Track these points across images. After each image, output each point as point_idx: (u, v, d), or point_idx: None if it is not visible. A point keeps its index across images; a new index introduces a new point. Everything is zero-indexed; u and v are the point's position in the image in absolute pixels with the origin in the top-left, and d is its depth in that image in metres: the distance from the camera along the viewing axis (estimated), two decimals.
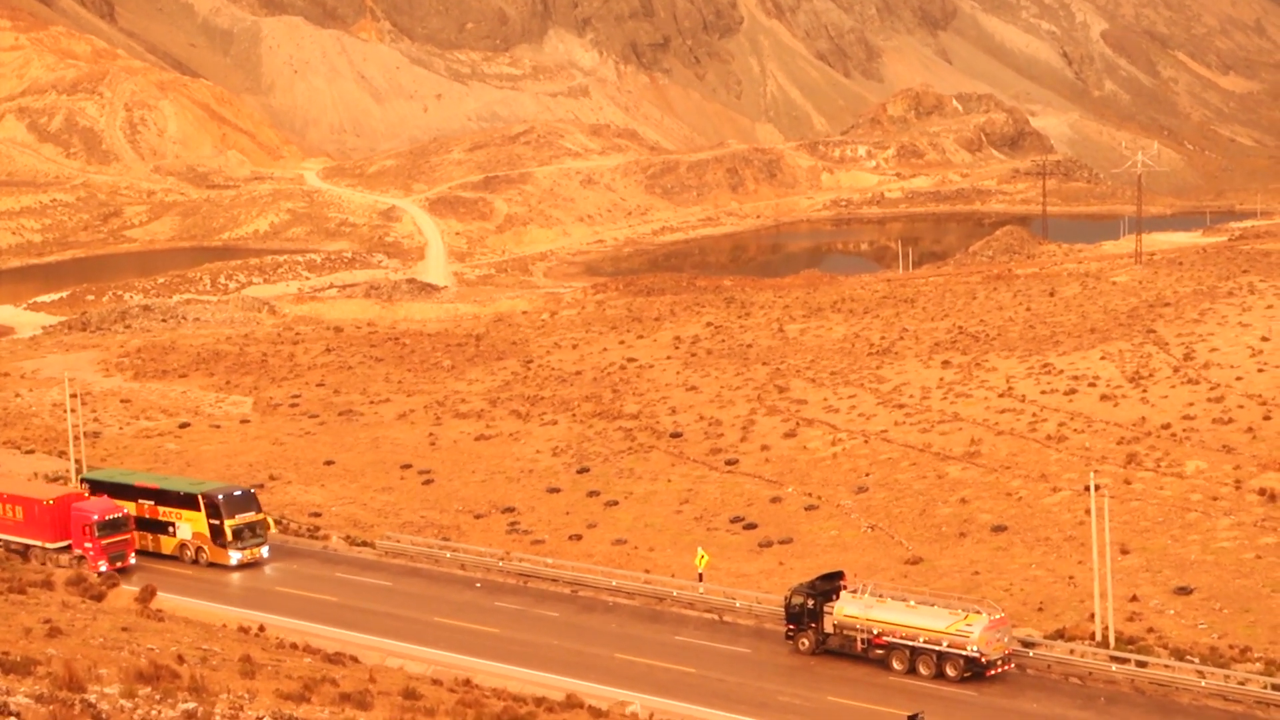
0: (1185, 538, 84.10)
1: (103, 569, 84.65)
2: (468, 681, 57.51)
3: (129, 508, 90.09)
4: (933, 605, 71.32)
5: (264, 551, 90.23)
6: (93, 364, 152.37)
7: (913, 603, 71.58)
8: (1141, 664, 67.89)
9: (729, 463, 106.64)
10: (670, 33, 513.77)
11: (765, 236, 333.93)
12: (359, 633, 76.27)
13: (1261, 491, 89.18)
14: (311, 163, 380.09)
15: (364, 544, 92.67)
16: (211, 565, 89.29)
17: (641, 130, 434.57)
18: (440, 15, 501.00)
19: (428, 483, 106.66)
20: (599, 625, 78.72)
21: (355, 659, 61.91)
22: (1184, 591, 76.56)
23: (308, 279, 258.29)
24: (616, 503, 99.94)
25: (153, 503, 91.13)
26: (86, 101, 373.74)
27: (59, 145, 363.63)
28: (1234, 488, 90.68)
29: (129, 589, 75.42)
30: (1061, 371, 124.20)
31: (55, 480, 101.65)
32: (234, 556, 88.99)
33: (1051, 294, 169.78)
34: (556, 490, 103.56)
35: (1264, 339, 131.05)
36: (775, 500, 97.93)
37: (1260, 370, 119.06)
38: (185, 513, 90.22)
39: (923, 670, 69.97)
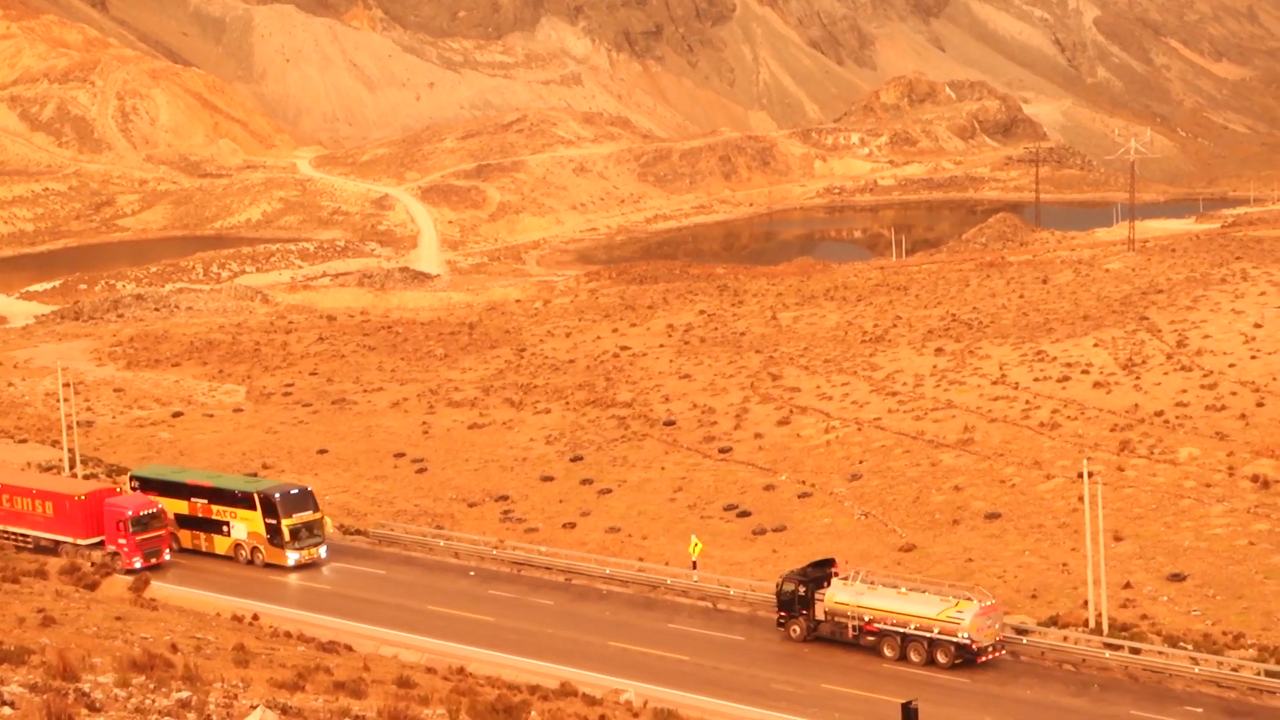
0: (1178, 524, 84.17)
1: (137, 566, 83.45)
2: (462, 670, 57.48)
3: (181, 507, 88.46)
4: (924, 592, 71.39)
5: (322, 552, 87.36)
6: (85, 353, 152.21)
7: (904, 590, 71.63)
8: (1135, 651, 67.95)
9: (722, 451, 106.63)
10: (663, 20, 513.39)
11: (758, 224, 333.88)
12: (353, 621, 76.22)
13: (1254, 478, 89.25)
14: (304, 151, 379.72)
15: (358, 532, 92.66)
16: (268, 566, 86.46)
17: (634, 118, 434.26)
18: (432, 3, 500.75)
19: (421, 471, 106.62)
20: (593, 613, 78.71)
21: (349, 647, 61.88)
22: (1177, 578, 76.63)
23: (300, 268, 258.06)
24: (610, 491, 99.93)
25: (206, 501, 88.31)
26: (78, 90, 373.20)
27: (51, 134, 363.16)
28: (1227, 474, 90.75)
29: (122, 578, 75.41)
30: (1055, 359, 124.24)
31: (49, 470, 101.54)
32: (291, 557, 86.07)
33: (1044, 281, 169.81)
34: (550, 478, 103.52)
35: (1257, 326, 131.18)
36: (769, 488, 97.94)
37: (1253, 357, 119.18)
38: (240, 512, 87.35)
39: (914, 657, 70.03)
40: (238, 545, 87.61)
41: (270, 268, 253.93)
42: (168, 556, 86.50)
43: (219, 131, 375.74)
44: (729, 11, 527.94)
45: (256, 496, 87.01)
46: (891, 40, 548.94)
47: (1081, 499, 79.67)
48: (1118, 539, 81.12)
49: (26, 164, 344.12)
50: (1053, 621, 72.27)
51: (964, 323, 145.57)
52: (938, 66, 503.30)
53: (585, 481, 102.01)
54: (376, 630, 74.53)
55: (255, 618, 70.21)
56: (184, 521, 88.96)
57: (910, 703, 54.83)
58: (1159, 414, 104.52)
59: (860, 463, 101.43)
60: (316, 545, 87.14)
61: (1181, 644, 68.53)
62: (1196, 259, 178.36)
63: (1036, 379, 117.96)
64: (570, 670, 65.81)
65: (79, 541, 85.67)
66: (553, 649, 72.10)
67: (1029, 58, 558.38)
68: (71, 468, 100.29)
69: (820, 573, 74.24)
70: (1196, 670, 66.08)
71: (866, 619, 71.32)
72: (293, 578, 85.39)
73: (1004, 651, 69.82)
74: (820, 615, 72.86)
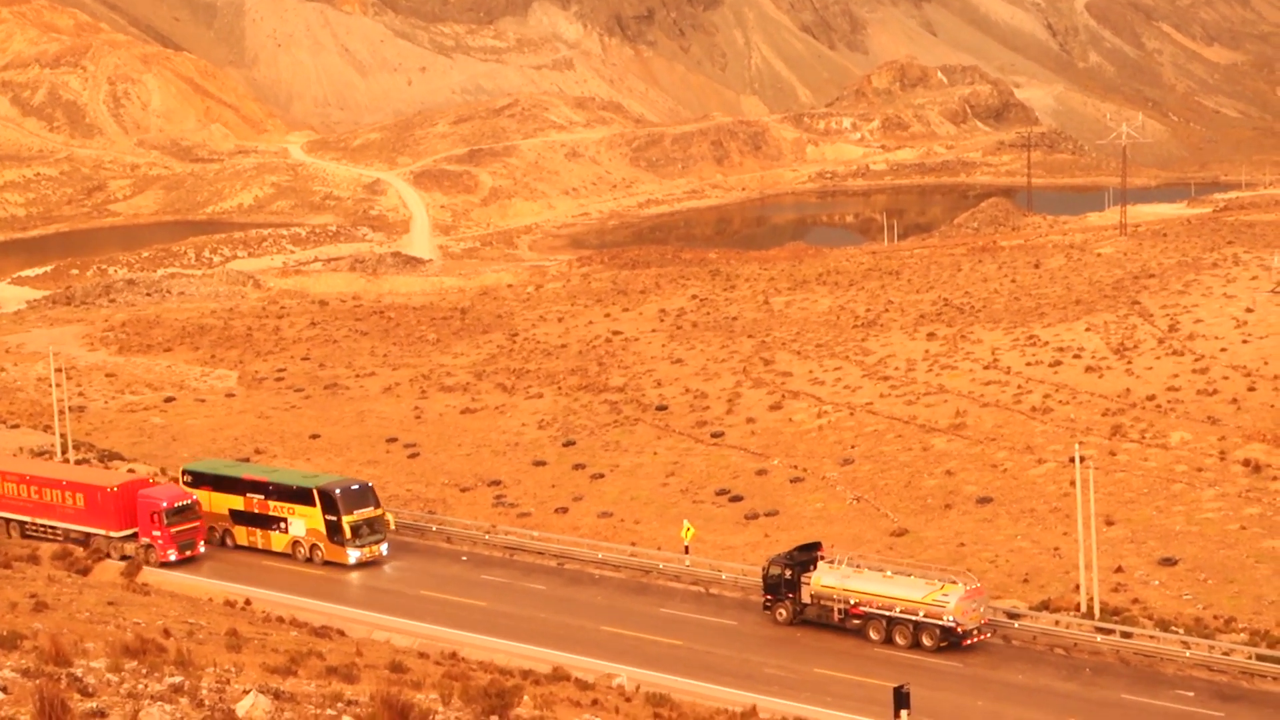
0: (1170, 509, 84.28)
1: (172, 558, 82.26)
2: (454, 655, 57.55)
3: (236, 502, 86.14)
4: (909, 575, 71.56)
5: (383, 550, 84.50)
6: (77, 338, 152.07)
7: (889, 573, 71.78)
8: (1126, 635, 68.05)
9: (715, 435, 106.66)
10: (654, 5, 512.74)
11: (750, 209, 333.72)
12: (345, 606, 76.29)
13: (1246, 462, 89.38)
14: (295, 136, 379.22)
15: None
16: (327, 564, 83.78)
17: (626, 103, 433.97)
18: None
19: (413, 456, 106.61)
20: (585, 598, 78.77)
21: (342, 632, 61.98)
22: (1169, 562, 76.73)
23: (292, 253, 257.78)
24: (602, 475, 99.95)
25: (261, 497, 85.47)
26: (70, 75, 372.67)
27: (42, 119, 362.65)
28: (1218, 459, 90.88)
29: (114, 563, 75.42)
30: (1046, 343, 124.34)
31: (42, 454, 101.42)
32: (352, 555, 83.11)
33: (1036, 266, 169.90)
34: (542, 463, 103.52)
35: (1248, 310, 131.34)
36: (761, 473, 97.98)
37: (1244, 341, 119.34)
38: (298, 508, 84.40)
39: (899, 640, 70.19)
40: (295, 543, 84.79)
41: (262, 253, 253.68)
42: (202, 549, 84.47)
43: (211, 116, 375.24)
44: None
45: (315, 492, 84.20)
46: (883, 25, 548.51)
47: (1073, 483, 79.77)
48: (1109, 523, 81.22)
49: (18, 149, 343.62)
50: (1044, 606, 72.36)
51: (956, 307, 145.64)
52: (930, 51, 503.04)
53: (577, 466, 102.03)
54: (369, 615, 74.59)
55: (247, 603, 70.27)
56: (239, 518, 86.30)
57: (902, 687, 54.93)
58: (1151, 398, 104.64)
59: (852, 447, 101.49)
60: (378, 543, 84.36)
61: (1173, 628, 68.63)
62: (1188, 243, 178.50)
63: (1028, 363, 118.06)
64: (563, 655, 65.85)
65: (111, 534, 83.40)
66: (545, 634, 72.13)
67: (1021, 42, 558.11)
68: (64, 453, 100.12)
69: (806, 556, 74.40)
70: (1188, 654, 66.19)
71: (852, 602, 71.47)
72: (283, 564, 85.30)
73: (989, 635, 69.97)
74: (806, 598, 73.00)
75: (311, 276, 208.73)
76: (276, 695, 28.25)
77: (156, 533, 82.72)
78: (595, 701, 46.14)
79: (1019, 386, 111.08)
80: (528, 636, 71.53)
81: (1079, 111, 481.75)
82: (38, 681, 26.16)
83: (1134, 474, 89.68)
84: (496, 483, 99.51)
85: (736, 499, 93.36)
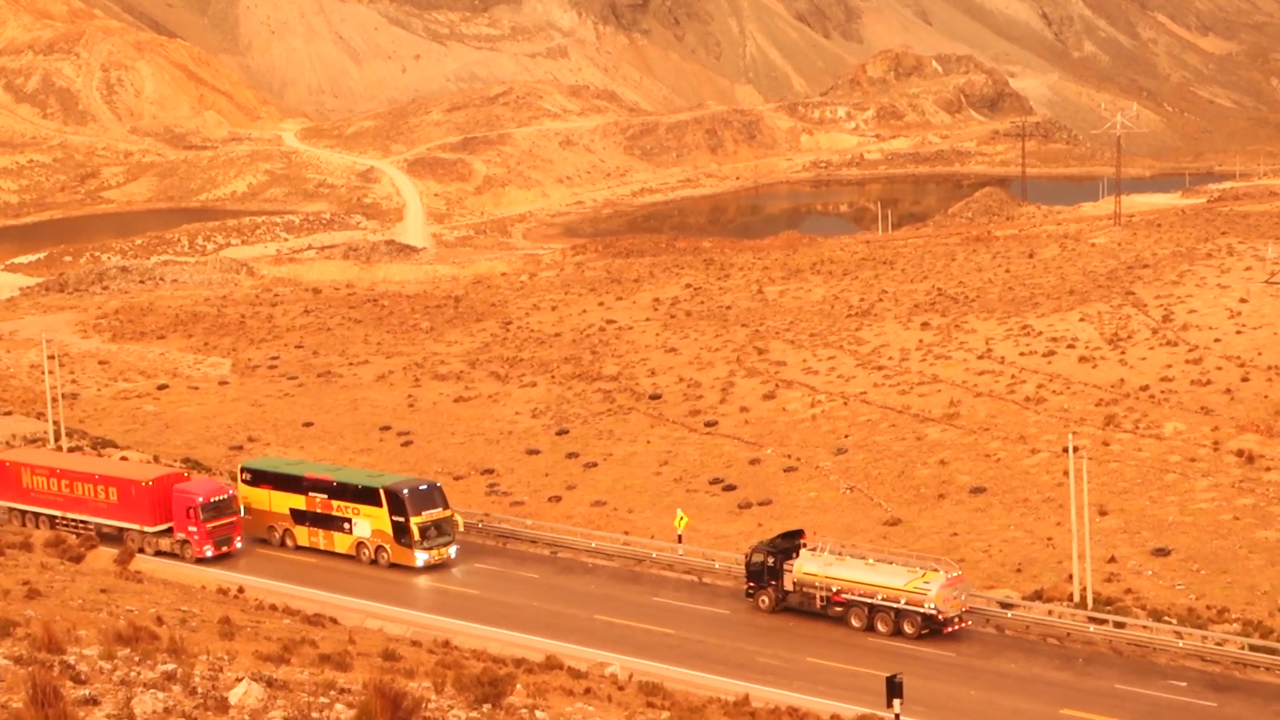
0: (1163, 499, 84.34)
1: (208, 554, 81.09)
2: (447, 643, 57.51)
3: (297, 502, 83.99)
4: (891, 563, 71.75)
5: (452, 552, 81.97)
6: (70, 325, 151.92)
7: (871, 560, 71.94)
8: (1119, 625, 68.15)
9: (708, 424, 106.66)
10: None
11: (744, 198, 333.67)
12: (338, 594, 76.26)
13: (1239, 453, 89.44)
14: (289, 123, 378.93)
15: None
16: (393, 566, 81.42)
17: (620, 91, 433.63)
18: None
19: (407, 444, 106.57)
20: (578, 587, 78.79)
21: (335, 620, 61.89)
22: (1162, 553, 76.79)
23: (286, 240, 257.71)
24: (596, 464, 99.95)
25: (325, 496, 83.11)
26: (63, 62, 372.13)
27: (35, 106, 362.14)
28: (1212, 449, 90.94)
29: (107, 550, 75.28)
30: (1040, 333, 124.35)
31: (35, 441, 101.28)
32: (420, 557, 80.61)
33: (1030, 256, 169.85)
34: (535, 452, 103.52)
35: (1242, 301, 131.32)
36: (754, 462, 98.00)
37: (1238, 332, 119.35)
38: (364, 508, 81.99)
39: (880, 627, 70.37)
40: (360, 544, 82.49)
41: (256, 240, 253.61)
42: (239, 544, 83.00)
43: (204, 103, 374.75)
44: None
45: (382, 492, 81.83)
46: (878, 14, 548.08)
47: (1066, 473, 79.80)
48: (1102, 513, 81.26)
49: (11, 135, 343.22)
50: (1037, 596, 72.44)
51: (950, 297, 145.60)
52: (924, 40, 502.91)
53: (571, 455, 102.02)
54: (362, 603, 74.53)
55: (240, 590, 70.20)
56: (300, 518, 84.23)
57: (895, 676, 54.96)
58: (1144, 389, 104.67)
59: (846, 437, 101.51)
60: (446, 545, 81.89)
61: (1166, 618, 68.70)
62: (1182, 234, 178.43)
63: (1022, 353, 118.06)
64: (556, 643, 65.90)
65: (145, 529, 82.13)
66: (538, 622, 72.16)
67: (1016, 32, 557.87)
68: (56, 440, 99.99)
69: (789, 544, 74.58)
70: (1181, 644, 66.28)
71: (834, 589, 71.64)
72: (276, 551, 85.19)
73: (970, 622, 70.15)
74: (789, 586, 73.16)
75: (305, 264, 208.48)
76: (269, 683, 28.20)
77: (192, 528, 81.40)
78: (588, 690, 46.06)
79: (1013, 376, 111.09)
80: (521, 625, 71.57)
81: (1074, 101, 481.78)
82: (30, 669, 26.10)
83: (1127, 464, 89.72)
84: (490, 471, 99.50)
85: (730, 488, 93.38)
